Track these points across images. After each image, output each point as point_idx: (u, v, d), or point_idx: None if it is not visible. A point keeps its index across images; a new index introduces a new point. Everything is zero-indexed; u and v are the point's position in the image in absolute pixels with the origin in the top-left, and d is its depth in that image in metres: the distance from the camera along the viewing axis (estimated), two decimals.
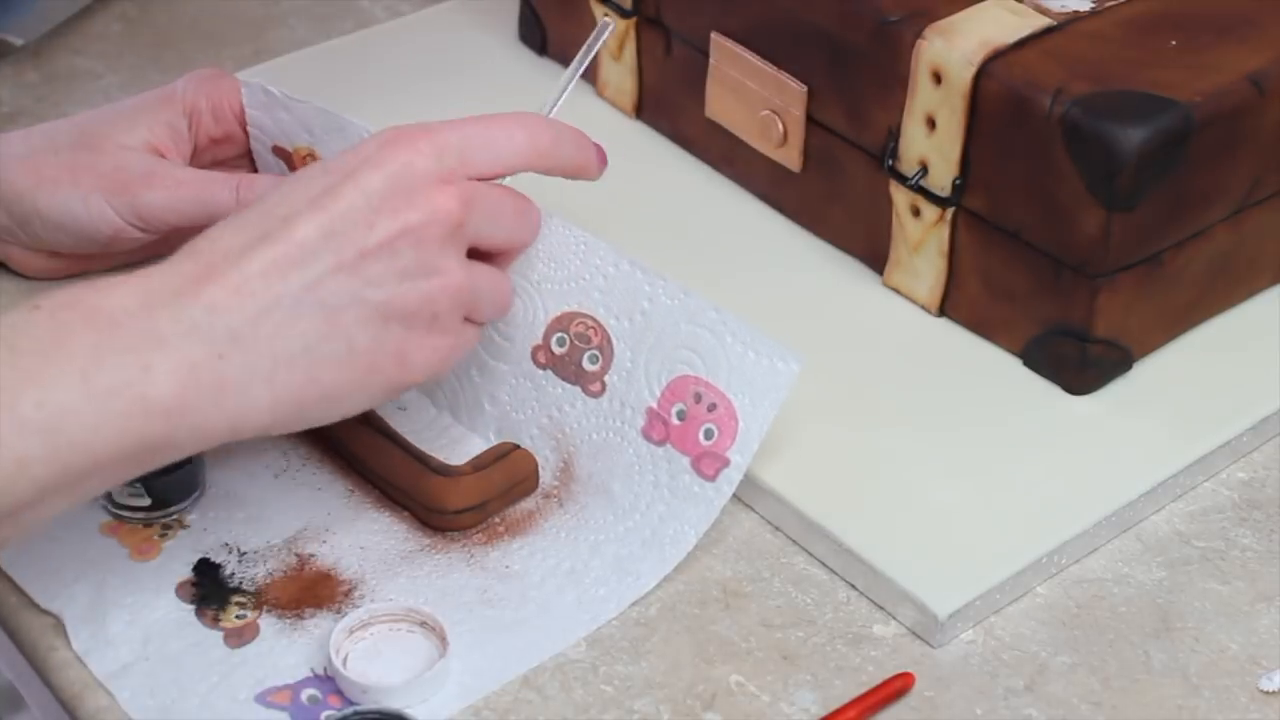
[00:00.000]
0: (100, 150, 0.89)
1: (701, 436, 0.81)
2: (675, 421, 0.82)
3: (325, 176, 0.75)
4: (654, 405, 0.82)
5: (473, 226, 0.77)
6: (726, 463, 0.81)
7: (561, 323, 0.85)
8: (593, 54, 0.90)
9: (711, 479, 0.81)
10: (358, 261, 0.74)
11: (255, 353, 0.72)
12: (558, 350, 0.84)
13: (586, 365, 0.84)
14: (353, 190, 0.74)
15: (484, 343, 0.86)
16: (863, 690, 0.76)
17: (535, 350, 0.85)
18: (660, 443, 0.82)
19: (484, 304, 0.79)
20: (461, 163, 0.77)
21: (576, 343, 0.84)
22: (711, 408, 0.81)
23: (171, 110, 0.92)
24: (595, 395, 0.84)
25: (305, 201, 0.74)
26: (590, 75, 1.08)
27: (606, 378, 0.83)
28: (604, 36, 0.91)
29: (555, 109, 0.88)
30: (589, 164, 0.83)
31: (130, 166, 0.89)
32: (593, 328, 0.84)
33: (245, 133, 0.93)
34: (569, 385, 0.84)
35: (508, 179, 0.81)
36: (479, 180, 0.78)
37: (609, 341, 0.84)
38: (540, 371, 0.85)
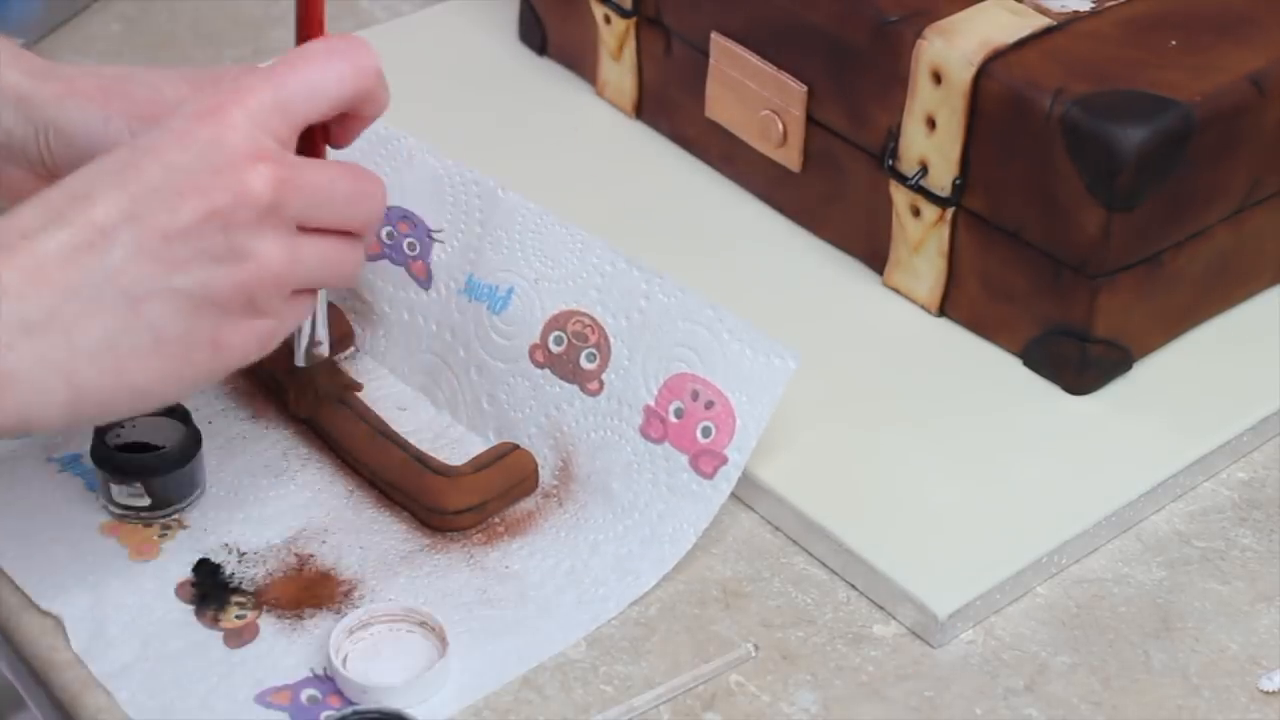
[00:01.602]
0: (139, 85, 0.85)
1: (699, 434, 0.81)
2: (673, 419, 0.82)
3: (130, 152, 0.69)
4: (651, 403, 0.82)
5: (292, 208, 0.70)
6: (724, 460, 0.81)
7: (559, 321, 0.85)
8: None
9: (710, 477, 0.81)
10: (162, 246, 0.68)
11: (49, 344, 0.67)
12: (555, 349, 0.84)
13: (584, 363, 0.84)
14: (156, 167, 0.69)
15: (482, 341, 0.86)
16: (862, 690, 0.76)
17: (533, 349, 0.85)
18: (658, 441, 0.82)
19: (316, 278, 0.73)
20: (284, 121, 0.71)
21: (574, 341, 0.84)
22: (709, 405, 0.81)
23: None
24: (593, 394, 0.84)
25: (107, 178, 0.69)
26: (590, 75, 1.08)
27: (604, 376, 0.83)
28: None
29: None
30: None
31: (163, 103, 0.84)
32: (590, 326, 0.84)
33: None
34: (567, 384, 0.84)
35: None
36: (314, 133, 0.73)
37: (606, 339, 0.84)
38: (538, 370, 0.85)
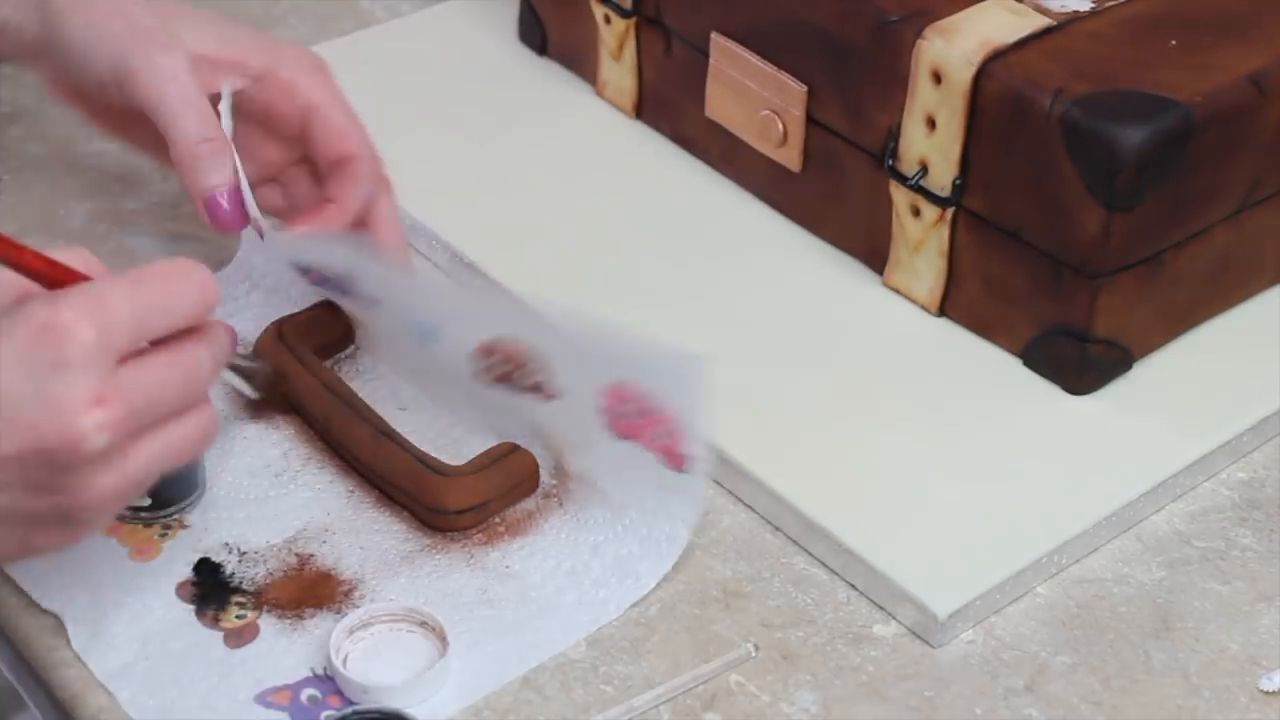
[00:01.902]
0: (155, 16, 0.84)
1: (656, 435, 0.81)
2: (633, 419, 0.81)
3: None
4: (603, 405, 0.82)
5: (128, 431, 0.67)
6: (688, 457, 0.81)
7: (486, 350, 0.84)
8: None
9: (683, 470, 0.81)
10: None
11: None
12: (499, 370, 0.84)
13: (531, 378, 0.84)
14: None
15: (445, 363, 0.86)
16: (862, 689, 0.76)
17: (478, 374, 0.85)
18: (627, 438, 0.82)
19: (153, 475, 0.69)
20: (130, 342, 0.66)
21: (509, 364, 0.84)
22: (646, 411, 0.81)
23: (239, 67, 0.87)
24: (552, 398, 0.83)
25: None
26: (590, 75, 1.08)
27: (553, 385, 0.83)
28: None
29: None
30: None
31: (163, 31, 0.84)
32: (515, 349, 0.83)
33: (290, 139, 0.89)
34: (526, 394, 0.84)
35: None
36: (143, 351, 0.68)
37: (536, 356, 0.83)
38: (495, 388, 0.85)
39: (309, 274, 0.89)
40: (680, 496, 0.81)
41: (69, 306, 0.65)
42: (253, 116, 0.89)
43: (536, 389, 0.83)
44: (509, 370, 0.84)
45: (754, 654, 0.78)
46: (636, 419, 0.81)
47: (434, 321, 0.86)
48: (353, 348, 0.91)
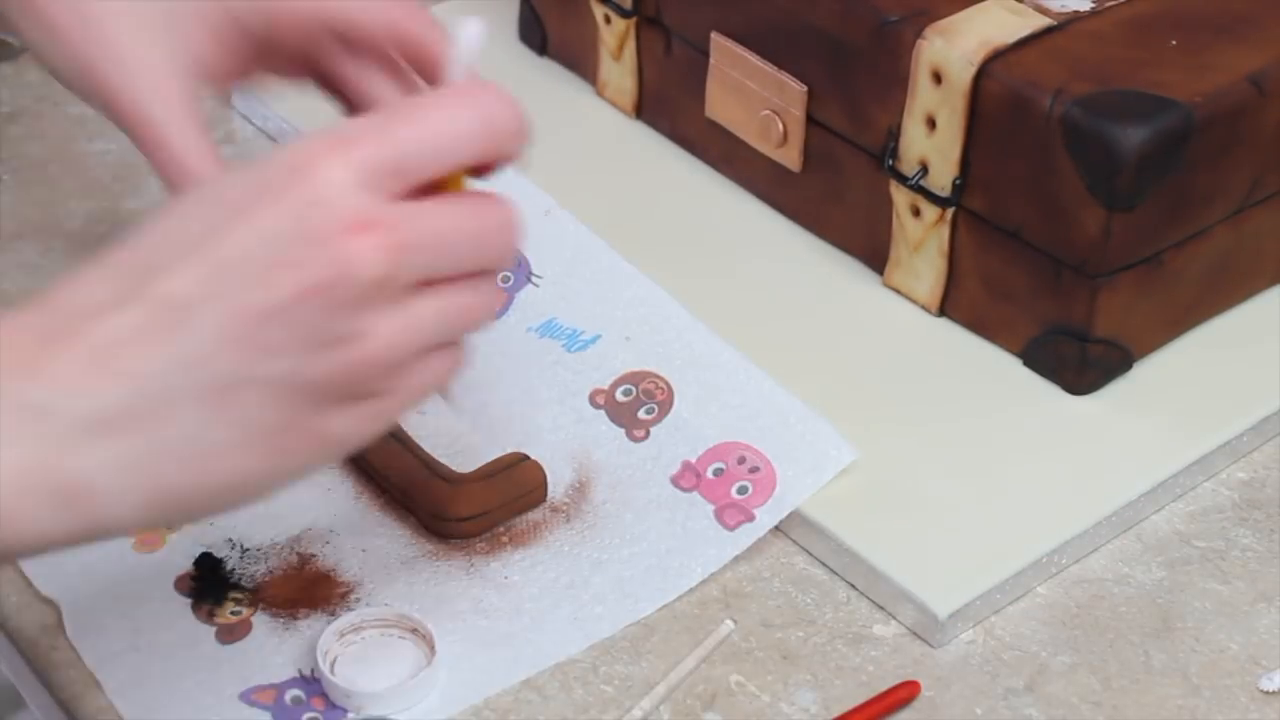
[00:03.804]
0: None
1: (734, 491, 0.82)
2: (709, 476, 0.83)
3: (211, 208, 0.59)
4: (693, 460, 0.83)
5: (410, 271, 0.60)
6: (752, 518, 0.81)
7: (634, 377, 0.87)
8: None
9: (731, 529, 0.81)
10: (250, 328, 0.58)
11: (118, 447, 0.57)
12: (621, 399, 0.86)
13: (641, 415, 0.85)
14: (245, 233, 0.58)
15: (541, 371, 0.87)
16: (862, 690, 0.76)
17: (596, 392, 0.87)
18: (687, 490, 0.82)
19: (440, 340, 0.62)
20: (396, 181, 0.59)
21: (641, 397, 0.86)
22: (754, 470, 0.83)
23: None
24: (637, 440, 0.85)
25: (183, 246, 0.58)
26: (590, 75, 1.08)
27: (654, 428, 0.85)
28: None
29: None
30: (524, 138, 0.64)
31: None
32: (661, 388, 0.86)
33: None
34: (615, 427, 0.85)
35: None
36: (424, 196, 0.61)
37: (671, 401, 0.85)
38: (593, 410, 0.85)
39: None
40: (709, 548, 0.81)
41: (318, 141, 0.59)
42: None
43: (635, 425, 0.85)
44: (630, 402, 0.85)
45: (733, 627, 0.78)
46: (711, 478, 0.82)
47: (601, 333, 0.88)
48: None
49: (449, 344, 0.63)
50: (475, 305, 0.63)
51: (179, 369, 0.58)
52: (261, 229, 0.58)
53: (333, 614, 0.78)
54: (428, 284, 0.61)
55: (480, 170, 0.64)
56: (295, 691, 0.75)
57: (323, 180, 0.58)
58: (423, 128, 0.60)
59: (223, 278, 0.58)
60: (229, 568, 0.80)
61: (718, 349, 0.87)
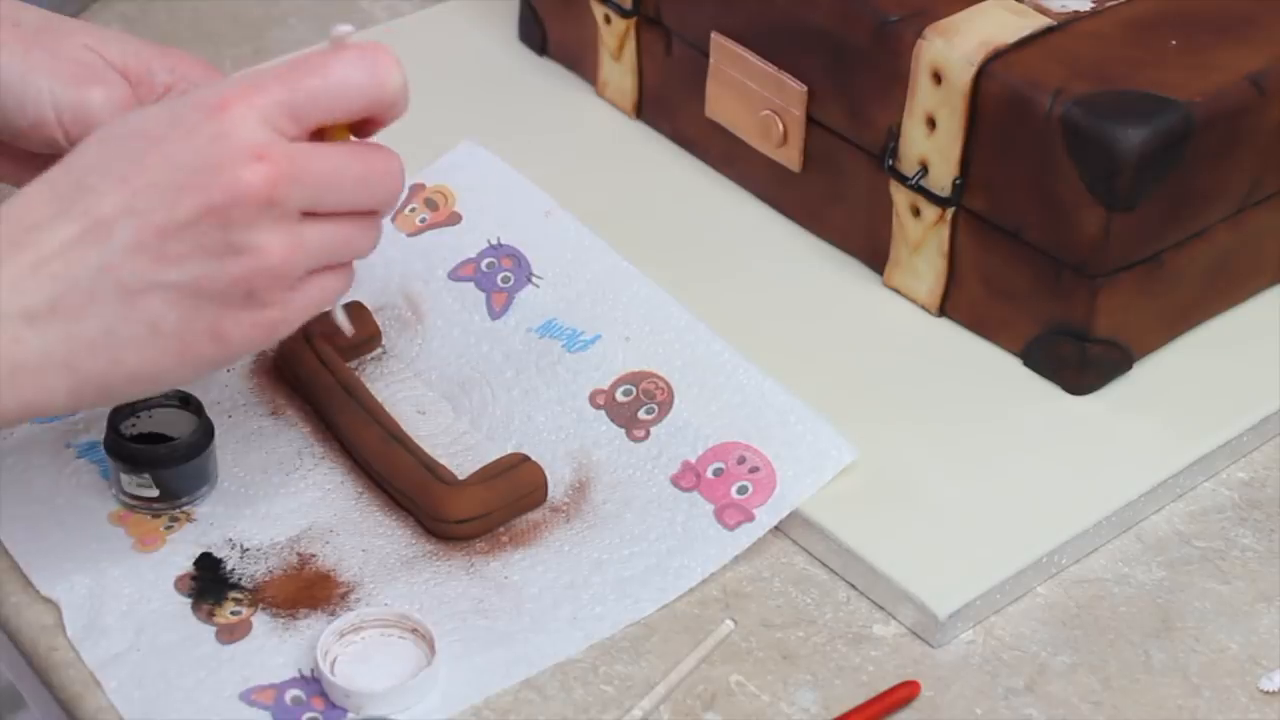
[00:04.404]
0: (64, 39, 0.82)
1: (734, 490, 0.82)
2: (709, 476, 0.82)
3: (134, 141, 0.71)
4: (692, 459, 0.83)
5: (294, 200, 0.70)
6: (751, 518, 0.81)
7: (634, 377, 0.87)
8: None
9: (730, 529, 0.81)
10: (157, 241, 0.69)
11: (51, 335, 0.69)
12: (620, 399, 0.86)
13: (641, 415, 0.85)
14: (158, 162, 0.70)
15: (541, 371, 0.87)
16: (862, 690, 0.76)
17: (596, 393, 0.86)
18: (687, 490, 0.82)
19: (325, 262, 0.73)
20: (293, 123, 0.71)
21: (641, 397, 0.86)
22: (754, 470, 0.83)
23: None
24: (637, 440, 0.85)
25: (111, 172, 0.70)
26: (590, 75, 1.08)
27: (654, 428, 0.85)
28: None
29: None
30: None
31: (89, 64, 0.82)
32: (661, 388, 0.86)
33: None
34: (615, 427, 0.85)
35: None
36: (317, 136, 0.72)
37: (671, 401, 0.85)
38: (593, 411, 0.85)
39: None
40: (709, 548, 0.81)
41: (231, 86, 0.71)
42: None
43: (635, 425, 0.85)
44: (629, 402, 0.85)
45: (733, 627, 0.78)
46: (711, 477, 0.82)
47: (601, 333, 0.88)
48: (380, 350, 0.91)
49: (337, 267, 0.74)
50: (357, 237, 0.74)
51: (97, 273, 0.69)
52: (172, 156, 0.70)
53: (333, 614, 0.78)
54: (316, 215, 0.72)
55: (362, 128, 0.75)
56: (295, 691, 0.75)
57: (229, 117, 0.70)
58: (322, 78, 0.72)
59: (138, 199, 0.69)
60: (229, 568, 0.80)
61: (718, 349, 0.87)
